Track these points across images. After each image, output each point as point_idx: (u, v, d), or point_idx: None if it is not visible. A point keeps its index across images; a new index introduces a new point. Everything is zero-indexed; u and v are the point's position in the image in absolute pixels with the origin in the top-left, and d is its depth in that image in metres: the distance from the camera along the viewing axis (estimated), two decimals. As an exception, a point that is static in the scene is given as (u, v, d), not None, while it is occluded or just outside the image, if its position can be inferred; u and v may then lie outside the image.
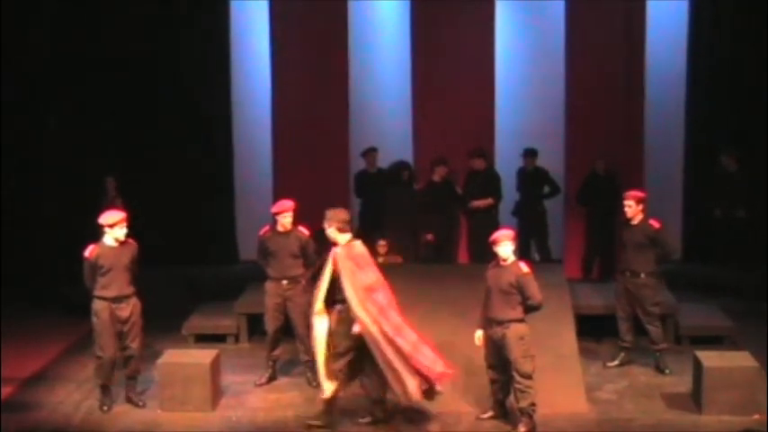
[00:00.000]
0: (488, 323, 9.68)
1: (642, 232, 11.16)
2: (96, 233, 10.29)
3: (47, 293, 13.94)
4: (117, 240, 10.16)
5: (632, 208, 11.21)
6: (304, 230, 11.08)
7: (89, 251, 10.14)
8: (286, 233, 11.01)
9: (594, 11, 15.14)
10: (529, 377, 9.49)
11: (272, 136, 15.76)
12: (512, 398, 9.74)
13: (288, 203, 11.12)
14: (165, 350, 10.92)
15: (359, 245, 9.81)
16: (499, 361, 9.68)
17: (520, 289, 9.51)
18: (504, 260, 9.67)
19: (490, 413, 9.93)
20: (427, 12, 15.37)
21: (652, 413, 10.16)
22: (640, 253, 11.14)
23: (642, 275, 11.16)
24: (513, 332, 9.50)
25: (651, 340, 11.26)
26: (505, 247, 9.64)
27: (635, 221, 11.22)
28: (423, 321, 10.96)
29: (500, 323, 9.55)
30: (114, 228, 10.12)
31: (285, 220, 11.02)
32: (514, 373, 9.52)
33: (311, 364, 10.61)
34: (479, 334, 9.79)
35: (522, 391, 9.51)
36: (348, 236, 9.77)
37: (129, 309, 10.23)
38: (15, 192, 14.54)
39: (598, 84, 15.06)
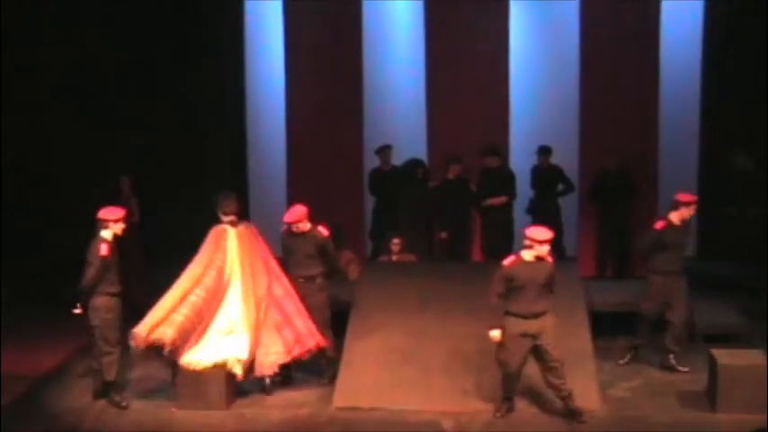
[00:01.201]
0: (517, 320, 9.71)
1: (681, 233, 11.24)
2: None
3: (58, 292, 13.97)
4: (116, 236, 10.34)
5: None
6: (323, 230, 11.12)
7: (105, 249, 10.23)
8: (302, 234, 11.04)
9: (609, 9, 15.12)
10: (562, 363, 9.77)
11: (286, 135, 15.78)
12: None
13: (300, 211, 11.09)
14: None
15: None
16: (526, 357, 9.79)
17: (552, 281, 9.77)
18: (541, 258, 9.74)
19: (504, 410, 9.97)
20: (441, 11, 15.38)
21: (666, 411, 10.16)
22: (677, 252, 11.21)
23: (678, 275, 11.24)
24: (551, 320, 9.74)
25: (673, 340, 11.23)
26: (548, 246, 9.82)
27: (680, 223, 11.24)
28: (436, 319, 11.02)
29: (537, 315, 9.67)
30: (117, 223, 10.34)
31: (300, 228, 11.06)
32: (554, 363, 9.73)
33: (328, 361, 10.90)
34: (497, 333, 9.79)
35: (563, 375, 9.76)
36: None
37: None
38: (31, 190, 14.59)
39: (612, 81, 15.04)
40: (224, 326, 10.56)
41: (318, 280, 11.08)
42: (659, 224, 11.24)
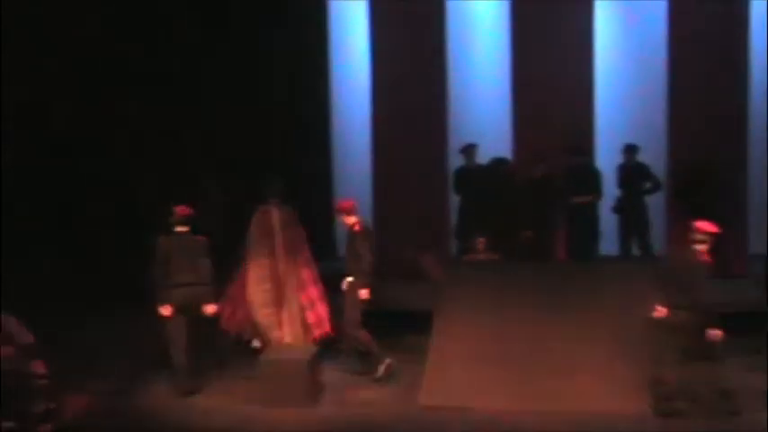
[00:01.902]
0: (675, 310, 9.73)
1: None
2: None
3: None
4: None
5: None
6: (355, 226, 11.50)
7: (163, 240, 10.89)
8: (347, 229, 11.59)
9: (697, 7, 14.91)
10: None
11: (370, 134, 15.81)
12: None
13: (341, 202, 11.76)
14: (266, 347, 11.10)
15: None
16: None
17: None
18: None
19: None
20: (526, 10, 15.31)
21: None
22: None
23: None
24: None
25: None
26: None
27: None
28: (521, 319, 10.96)
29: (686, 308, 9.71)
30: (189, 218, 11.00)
31: (342, 220, 11.56)
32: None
33: (352, 353, 11.42)
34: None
35: None
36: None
37: None
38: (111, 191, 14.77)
39: (700, 79, 14.82)
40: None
41: (351, 278, 11.42)
42: None
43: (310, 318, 11.62)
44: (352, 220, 11.45)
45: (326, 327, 11.66)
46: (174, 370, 10.81)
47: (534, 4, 15.25)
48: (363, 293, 11.22)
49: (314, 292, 11.75)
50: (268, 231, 11.65)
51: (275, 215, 11.71)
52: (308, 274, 11.76)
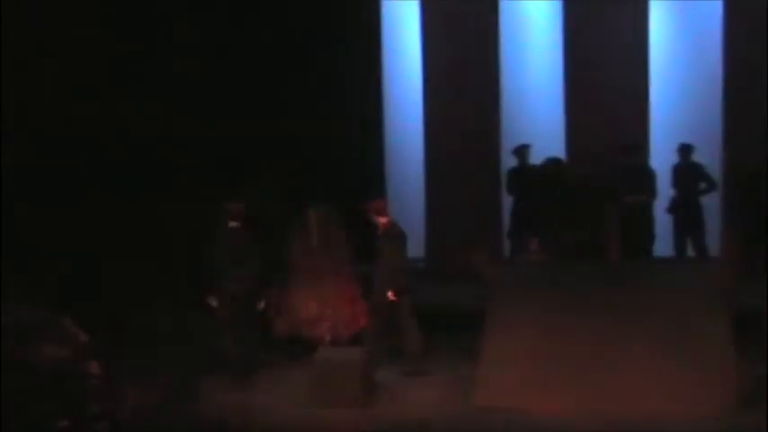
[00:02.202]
0: None
1: None
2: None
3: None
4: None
5: None
6: (385, 225, 11.73)
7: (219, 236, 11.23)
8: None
9: (753, 5, 14.78)
10: None
11: (423, 135, 15.82)
12: None
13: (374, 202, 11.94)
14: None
15: None
16: None
17: None
18: None
19: None
20: (580, 10, 15.26)
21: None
22: None
23: None
24: None
25: None
26: None
27: None
28: (574, 319, 10.89)
29: None
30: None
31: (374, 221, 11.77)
32: None
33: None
34: None
35: None
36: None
37: None
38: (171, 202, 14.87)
39: (756, 78, 14.69)
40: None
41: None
42: None
43: (348, 317, 11.71)
44: (383, 220, 11.55)
45: (362, 322, 11.70)
46: (228, 364, 10.93)
47: (588, 4, 15.18)
48: (391, 295, 11.31)
49: (351, 290, 11.84)
50: (309, 232, 11.81)
51: (317, 217, 11.91)
52: (347, 273, 11.89)
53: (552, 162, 14.52)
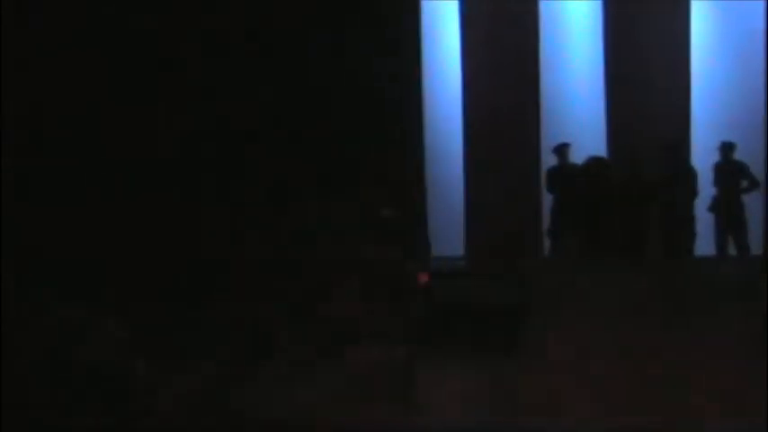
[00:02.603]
0: None
1: None
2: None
3: None
4: None
5: None
6: None
7: None
8: None
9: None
10: None
11: (462, 134, 15.84)
12: None
13: None
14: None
15: None
16: None
17: None
18: None
19: None
20: (621, 9, 15.23)
21: None
22: None
23: None
24: None
25: None
26: None
27: None
28: (613, 320, 10.89)
29: None
30: None
31: None
32: None
33: None
34: None
35: None
36: None
37: None
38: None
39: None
40: None
41: None
42: None
43: None
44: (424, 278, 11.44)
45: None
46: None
47: (629, 3, 15.17)
48: (423, 276, 11.31)
49: None
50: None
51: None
52: None
53: (595, 160, 14.52)
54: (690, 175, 14.24)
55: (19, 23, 13.50)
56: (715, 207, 14.54)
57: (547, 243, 15.08)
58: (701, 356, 10.03)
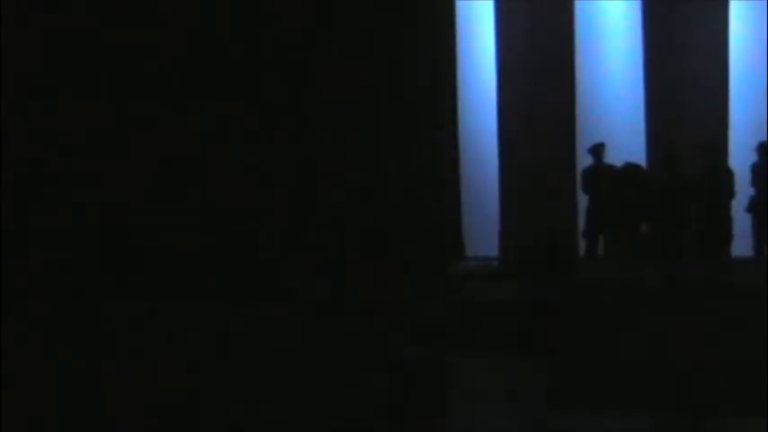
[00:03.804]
0: None
1: None
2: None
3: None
4: None
5: None
6: None
7: None
8: None
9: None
10: None
11: (497, 134, 15.83)
12: None
13: None
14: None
15: None
16: None
17: None
18: None
19: None
20: (660, 10, 15.20)
21: None
22: None
23: None
24: None
25: None
26: None
27: None
28: (649, 320, 10.83)
29: None
30: None
31: None
32: None
33: None
34: None
35: None
36: None
37: None
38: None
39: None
40: None
41: None
42: None
43: None
44: None
45: None
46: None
47: (668, 4, 15.13)
48: None
49: None
50: None
51: None
52: None
53: (631, 167, 14.47)
54: (727, 176, 14.17)
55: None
56: (752, 207, 14.46)
57: (582, 243, 15.05)
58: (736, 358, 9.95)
